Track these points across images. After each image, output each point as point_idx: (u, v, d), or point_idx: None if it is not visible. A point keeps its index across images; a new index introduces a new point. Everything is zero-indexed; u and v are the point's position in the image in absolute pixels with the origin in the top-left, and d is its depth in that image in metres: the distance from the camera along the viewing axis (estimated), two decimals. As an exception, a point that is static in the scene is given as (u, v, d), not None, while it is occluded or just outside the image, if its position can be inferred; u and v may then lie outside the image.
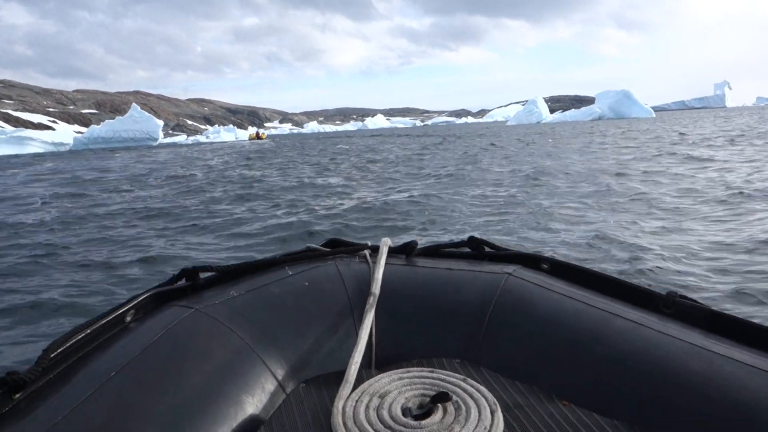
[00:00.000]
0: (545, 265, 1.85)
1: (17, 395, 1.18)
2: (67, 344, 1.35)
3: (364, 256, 1.90)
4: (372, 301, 1.64)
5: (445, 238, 8.40)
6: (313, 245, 2.02)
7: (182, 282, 1.74)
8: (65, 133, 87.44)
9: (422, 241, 2.08)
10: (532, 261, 1.88)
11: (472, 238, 2.00)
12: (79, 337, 1.39)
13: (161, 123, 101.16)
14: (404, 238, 2.49)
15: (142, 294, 1.63)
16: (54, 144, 79.20)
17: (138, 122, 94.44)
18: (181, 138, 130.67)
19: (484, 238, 2.01)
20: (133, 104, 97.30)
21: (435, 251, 2.01)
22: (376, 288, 1.69)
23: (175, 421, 1.20)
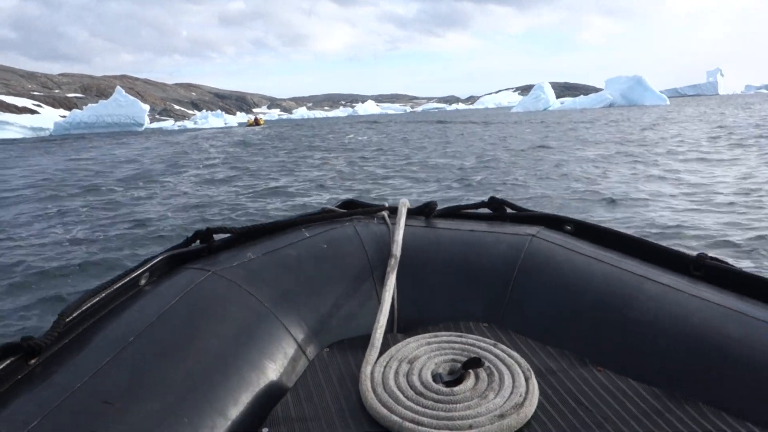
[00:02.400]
0: (569, 227, 1.80)
1: (33, 361, 1.17)
2: (82, 308, 1.32)
3: (383, 218, 1.85)
4: (393, 264, 1.59)
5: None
6: (330, 206, 1.96)
7: (197, 244, 1.68)
8: (45, 118, 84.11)
9: (440, 202, 2.03)
10: (555, 222, 1.83)
11: (492, 199, 1.95)
12: (94, 301, 1.35)
13: (147, 107, 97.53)
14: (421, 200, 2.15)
15: (156, 257, 1.57)
16: (33, 129, 75.91)
17: (123, 106, 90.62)
18: (168, 123, 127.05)
19: (505, 198, 1.95)
20: (118, 87, 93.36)
21: (455, 212, 1.96)
22: (397, 250, 1.64)
23: (195, 386, 1.17)
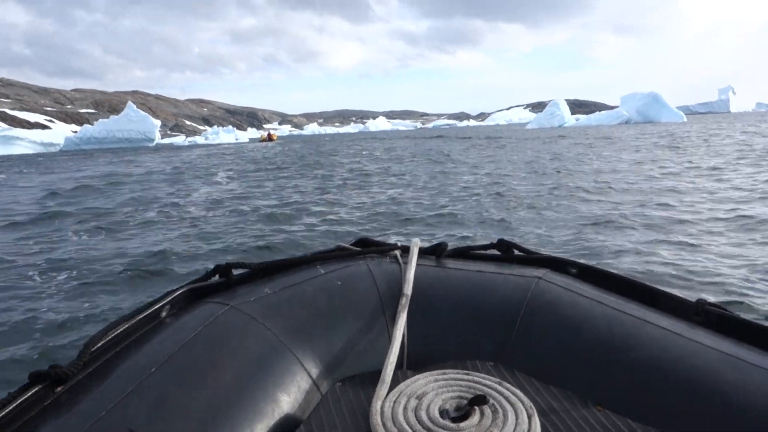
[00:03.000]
0: (573, 270, 1.85)
1: (59, 389, 1.21)
2: (106, 339, 1.37)
3: (395, 257, 1.90)
4: (404, 302, 1.64)
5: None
6: (344, 244, 2.01)
7: (216, 278, 1.74)
8: (56, 133, 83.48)
9: (451, 243, 2.08)
10: (561, 265, 1.88)
11: (501, 241, 2.01)
12: (118, 332, 1.41)
13: (158, 123, 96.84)
14: (433, 240, 2.38)
15: (177, 290, 1.63)
16: (43, 144, 75.21)
17: (134, 122, 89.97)
18: (179, 139, 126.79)
19: (513, 240, 2.00)
20: (129, 103, 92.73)
21: (465, 253, 2.01)
22: (408, 288, 1.69)
23: (214, 417, 1.21)
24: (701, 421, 1.21)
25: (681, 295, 1.62)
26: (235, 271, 1.75)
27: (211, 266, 1.78)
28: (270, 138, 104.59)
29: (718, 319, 1.50)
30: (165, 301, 1.56)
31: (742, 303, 4.94)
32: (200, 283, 1.70)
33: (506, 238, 2.04)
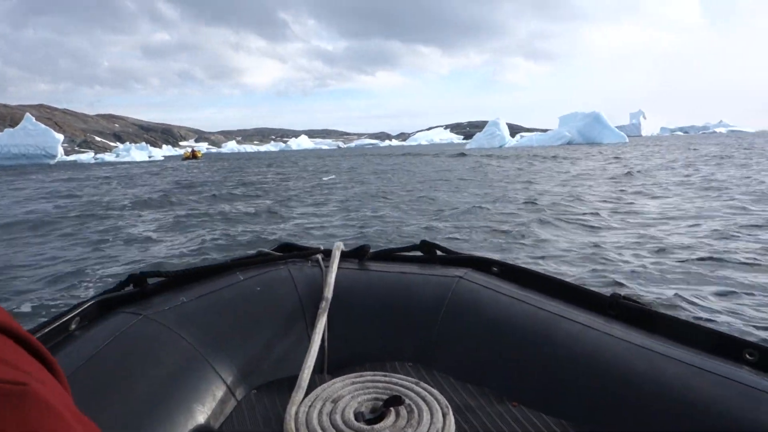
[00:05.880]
0: (495, 269, 1.85)
1: None
2: None
3: (317, 261, 1.88)
4: (324, 306, 1.63)
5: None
6: (265, 249, 1.98)
7: (130, 288, 1.68)
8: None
9: (375, 245, 2.07)
10: (483, 264, 1.88)
11: (424, 242, 1.98)
12: None
13: (60, 137, 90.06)
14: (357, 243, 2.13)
15: (88, 301, 1.57)
16: (-75, 160, 67.91)
17: (32, 136, 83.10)
18: (87, 156, 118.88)
19: (436, 242, 1.98)
20: (27, 115, 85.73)
21: (387, 255, 1.99)
22: (329, 292, 1.67)
23: (123, 431, 1.18)
24: (611, 412, 1.24)
25: (597, 291, 1.63)
26: (151, 281, 1.68)
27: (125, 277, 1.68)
28: (194, 155, 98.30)
29: (631, 312, 1.52)
30: (74, 313, 1.47)
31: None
32: (113, 294, 1.62)
33: (428, 239, 1.99)
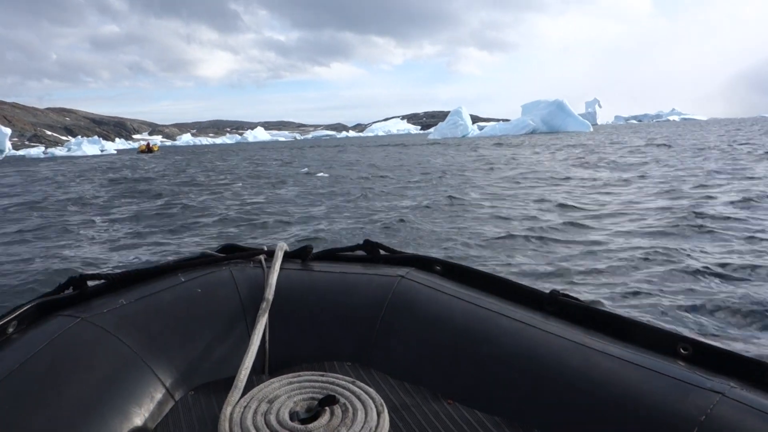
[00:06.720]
0: (438, 267, 1.86)
1: None
2: None
3: (260, 261, 1.88)
4: (265, 306, 1.63)
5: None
6: (208, 251, 1.99)
7: (69, 291, 1.66)
8: None
9: (319, 246, 2.07)
10: (426, 263, 1.88)
11: (367, 242, 2.00)
12: None
13: (8, 131, 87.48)
14: (302, 243, 2.18)
15: (26, 304, 1.54)
16: None
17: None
18: (36, 150, 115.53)
19: (380, 241, 2.00)
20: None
21: (331, 255, 2.01)
22: (270, 293, 1.67)
23: None
24: (543, 407, 1.25)
25: (536, 288, 1.65)
26: (91, 283, 1.66)
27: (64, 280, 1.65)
28: (149, 149, 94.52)
29: (569, 308, 1.54)
30: (12, 316, 1.45)
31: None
32: (52, 297, 1.60)
33: (372, 239, 2.01)
